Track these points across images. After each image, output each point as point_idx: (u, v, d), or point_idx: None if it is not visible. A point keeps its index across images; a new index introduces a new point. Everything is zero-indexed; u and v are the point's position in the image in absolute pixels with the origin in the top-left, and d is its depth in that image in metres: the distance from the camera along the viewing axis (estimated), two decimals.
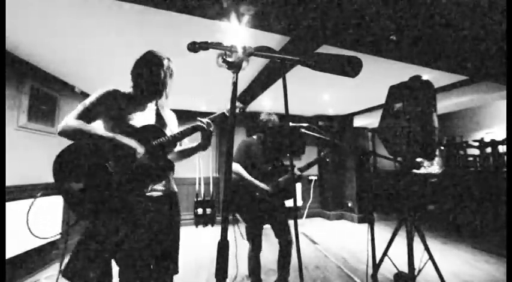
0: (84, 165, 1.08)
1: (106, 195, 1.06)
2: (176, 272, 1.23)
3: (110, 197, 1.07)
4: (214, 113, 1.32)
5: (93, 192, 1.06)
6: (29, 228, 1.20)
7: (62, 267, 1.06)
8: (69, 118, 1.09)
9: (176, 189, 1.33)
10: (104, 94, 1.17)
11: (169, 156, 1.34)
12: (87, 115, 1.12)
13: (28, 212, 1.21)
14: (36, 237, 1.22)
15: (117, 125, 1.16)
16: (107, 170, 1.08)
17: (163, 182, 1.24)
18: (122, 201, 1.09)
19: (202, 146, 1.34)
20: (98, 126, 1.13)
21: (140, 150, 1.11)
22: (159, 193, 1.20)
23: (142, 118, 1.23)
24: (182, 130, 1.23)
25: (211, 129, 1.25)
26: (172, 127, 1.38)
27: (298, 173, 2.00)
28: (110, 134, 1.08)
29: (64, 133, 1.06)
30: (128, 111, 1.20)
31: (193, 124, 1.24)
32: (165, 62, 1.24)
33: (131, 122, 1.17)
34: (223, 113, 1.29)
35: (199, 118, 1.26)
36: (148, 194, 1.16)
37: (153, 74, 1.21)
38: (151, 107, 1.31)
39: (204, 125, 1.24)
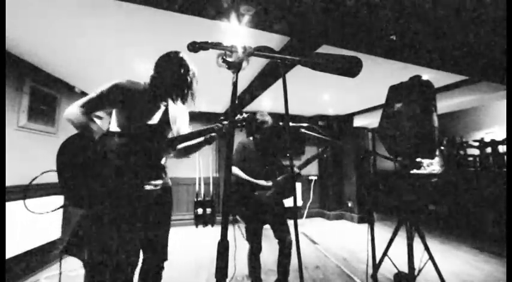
0: (86, 157, 1.12)
1: (104, 186, 1.11)
2: (165, 258, 1.34)
3: (108, 187, 1.12)
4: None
5: (92, 182, 1.11)
6: (25, 206, 1.27)
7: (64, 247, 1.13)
8: (74, 105, 1.13)
9: (170, 184, 1.40)
10: (113, 87, 1.18)
11: (172, 154, 1.39)
12: (92, 105, 1.16)
13: (30, 183, 1.27)
14: (33, 212, 1.29)
15: (124, 119, 1.22)
16: (107, 163, 1.12)
17: (161, 177, 1.30)
18: (121, 193, 1.13)
19: (202, 146, 1.40)
20: (93, 123, 1.15)
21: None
22: (155, 187, 1.27)
23: (150, 115, 1.26)
24: (190, 133, 1.28)
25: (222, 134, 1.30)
26: (180, 126, 1.40)
27: (297, 170, 1.99)
28: (97, 133, 1.12)
29: (66, 119, 1.12)
30: (136, 106, 1.22)
31: (208, 127, 1.28)
32: (192, 67, 1.28)
33: (139, 118, 1.21)
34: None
35: (218, 124, 1.29)
36: (146, 188, 1.23)
37: (181, 80, 1.23)
38: (161, 104, 1.32)
39: (218, 131, 1.28)
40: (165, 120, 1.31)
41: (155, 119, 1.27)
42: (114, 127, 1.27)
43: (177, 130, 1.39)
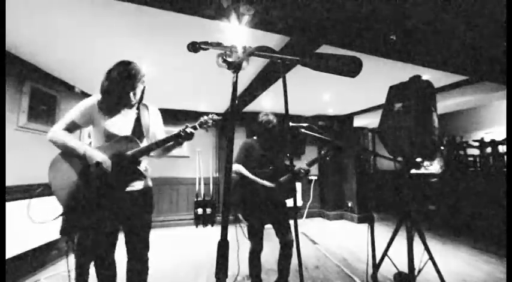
0: (72, 167, 1.29)
1: (91, 191, 1.27)
2: (147, 248, 1.46)
3: (94, 192, 1.27)
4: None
5: (80, 189, 1.26)
6: (29, 216, 1.54)
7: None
8: (55, 128, 1.29)
9: (151, 185, 1.53)
10: (84, 107, 1.34)
11: (152, 153, 1.50)
12: (71, 126, 1.33)
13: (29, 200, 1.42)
14: (35, 222, 1.52)
15: (99, 132, 1.36)
16: (89, 172, 1.28)
17: (141, 180, 1.43)
18: (104, 195, 1.29)
19: (174, 148, 1.54)
20: (74, 139, 1.30)
21: (107, 163, 1.28)
22: (136, 188, 1.41)
23: (121, 126, 1.38)
24: (158, 140, 1.39)
25: (190, 138, 1.42)
26: (155, 129, 1.53)
27: (306, 168, 1.97)
28: (81, 149, 1.26)
29: (51, 141, 1.28)
30: (107, 120, 1.36)
31: (176, 133, 1.39)
32: (129, 69, 1.36)
33: (111, 131, 1.35)
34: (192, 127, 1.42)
35: (188, 129, 1.40)
36: (128, 189, 1.38)
37: (113, 88, 1.33)
38: (131, 113, 1.44)
39: (184, 135, 1.40)
40: (138, 128, 1.43)
41: (128, 128, 1.40)
42: (94, 139, 1.41)
43: (152, 133, 1.52)
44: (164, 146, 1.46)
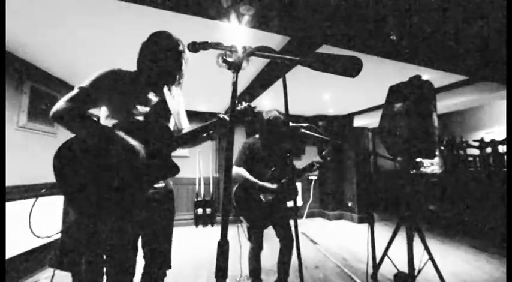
0: (87, 161, 0.99)
1: (108, 192, 0.99)
2: (169, 266, 1.24)
3: (112, 193, 1.00)
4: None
5: (96, 189, 0.98)
6: (31, 228, 1.24)
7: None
8: (61, 104, 0.94)
9: (172, 186, 1.30)
10: (104, 75, 1.05)
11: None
12: (85, 101, 0.99)
13: (30, 211, 1.22)
14: (37, 237, 1.26)
15: (119, 115, 1.06)
16: (111, 167, 1.00)
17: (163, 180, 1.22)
18: (124, 198, 1.01)
19: (203, 142, 1.31)
20: (95, 122, 0.99)
21: (142, 153, 1.01)
22: (158, 190, 1.19)
23: (148, 110, 1.12)
24: (191, 131, 1.17)
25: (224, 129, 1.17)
26: (180, 117, 1.33)
27: (319, 160, 1.94)
28: (110, 134, 0.97)
29: (56, 121, 0.94)
30: (132, 99, 1.08)
31: (209, 122, 1.17)
32: (181, 47, 1.15)
33: (135, 114, 1.07)
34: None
35: (221, 115, 1.18)
36: (150, 191, 1.14)
37: (169, 62, 1.11)
38: (157, 96, 1.20)
39: (221, 123, 1.16)
40: (165, 113, 1.20)
41: (153, 114, 1.14)
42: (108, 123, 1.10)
43: (179, 121, 1.31)
44: (196, 137, 1.20)
